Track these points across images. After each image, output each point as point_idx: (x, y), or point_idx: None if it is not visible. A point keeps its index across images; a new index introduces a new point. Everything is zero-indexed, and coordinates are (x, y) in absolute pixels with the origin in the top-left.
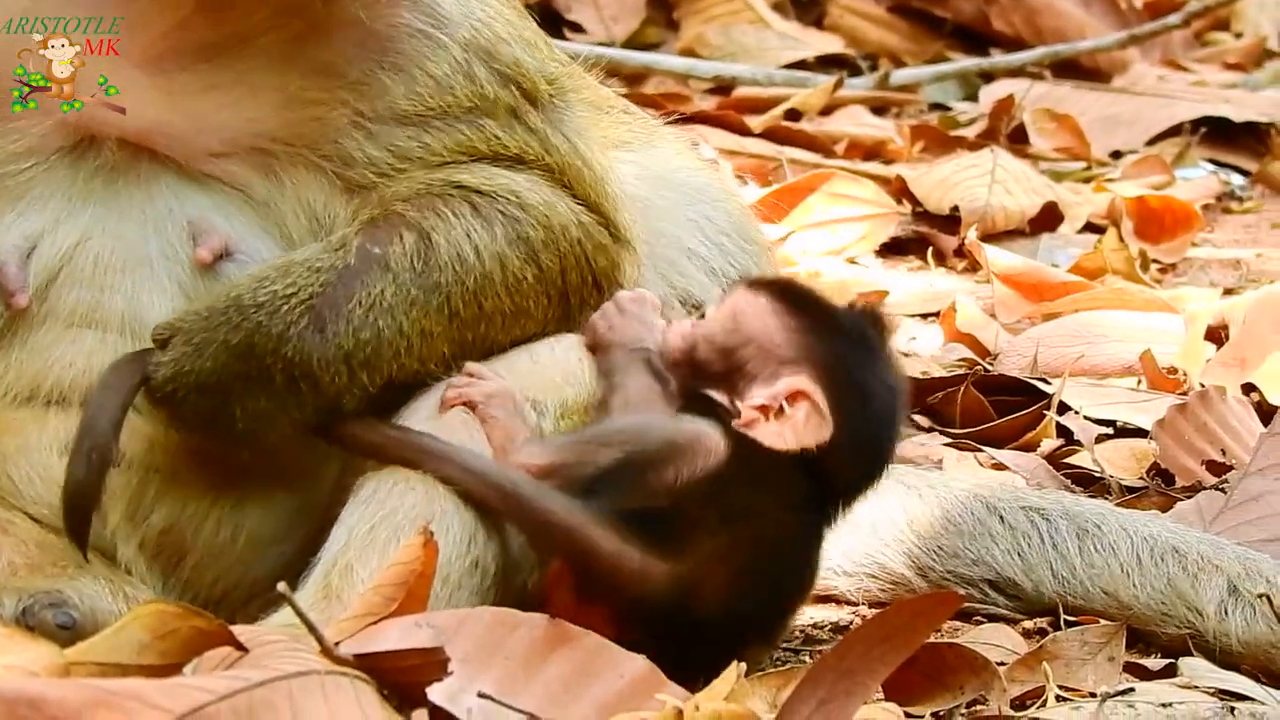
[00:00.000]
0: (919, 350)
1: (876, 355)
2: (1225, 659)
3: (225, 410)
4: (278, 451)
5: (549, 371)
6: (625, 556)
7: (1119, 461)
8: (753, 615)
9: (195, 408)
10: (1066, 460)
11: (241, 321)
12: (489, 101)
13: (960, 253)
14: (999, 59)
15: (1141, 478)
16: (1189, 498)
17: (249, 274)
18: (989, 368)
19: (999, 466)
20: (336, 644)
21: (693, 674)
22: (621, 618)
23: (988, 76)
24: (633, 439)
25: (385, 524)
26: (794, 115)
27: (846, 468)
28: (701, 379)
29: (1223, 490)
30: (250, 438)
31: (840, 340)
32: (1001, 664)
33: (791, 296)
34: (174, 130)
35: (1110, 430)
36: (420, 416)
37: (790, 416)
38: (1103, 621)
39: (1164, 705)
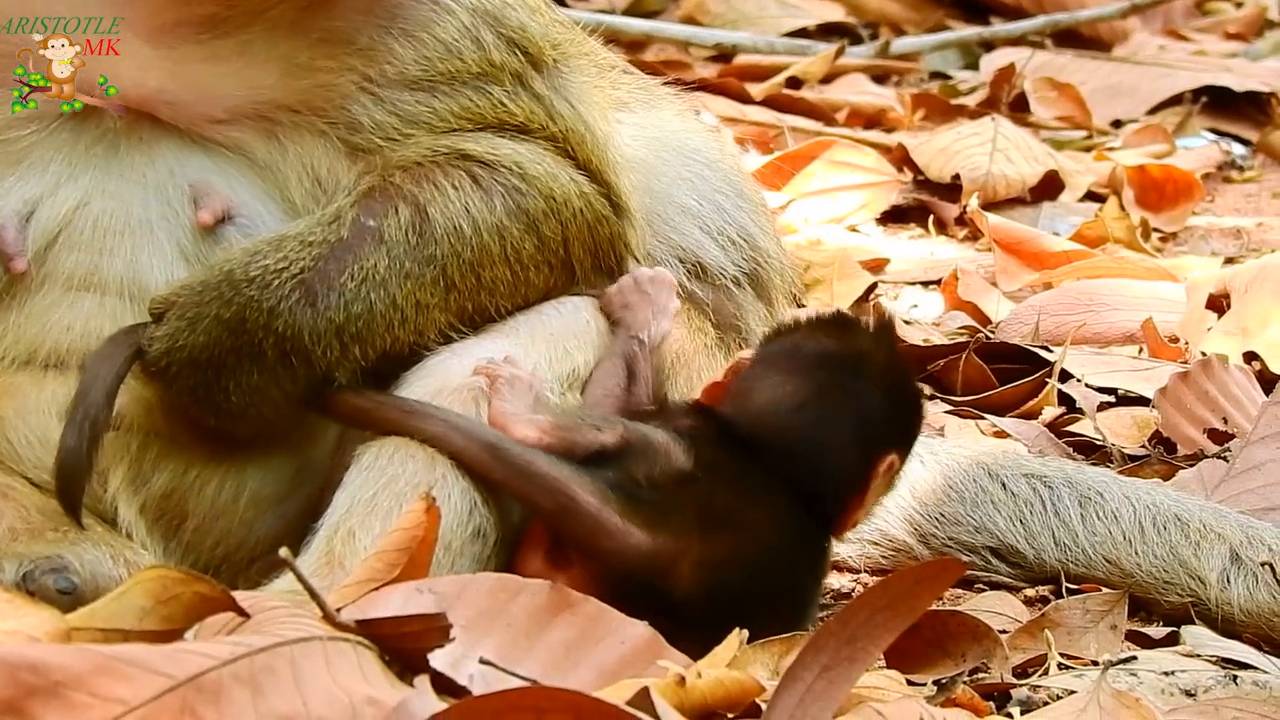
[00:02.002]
0: (920, 318)
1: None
2: (1227, 627)
3: (218, 384)
4: (271, 425)
5: (557, 338)
6: (606, 517)
7: (1121, 430)
8: (726, 605)
9: (188, 382)
10: (1068, 428)
11: (234, 296)
12: (495, 68)
13: (961, 221)
14: (1000, 28)
15: (1143, 446)
16: (1191, 466)
17: (242, 247)
18: (990, 335)
19: (1001, 434)
20: (338, 610)
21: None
22: (591, 582)
23: (988, 45)
24: (627, 428)
25: (387, 490)
26: (795, 83)
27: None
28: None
29: (1225, 459)
30: (243, 412)
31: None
32: (1004, 632)
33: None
34: (177, 98)
35: (1112, 398)
36: (420, 390)
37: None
38: (1105, 590)
39: (1166, 673)
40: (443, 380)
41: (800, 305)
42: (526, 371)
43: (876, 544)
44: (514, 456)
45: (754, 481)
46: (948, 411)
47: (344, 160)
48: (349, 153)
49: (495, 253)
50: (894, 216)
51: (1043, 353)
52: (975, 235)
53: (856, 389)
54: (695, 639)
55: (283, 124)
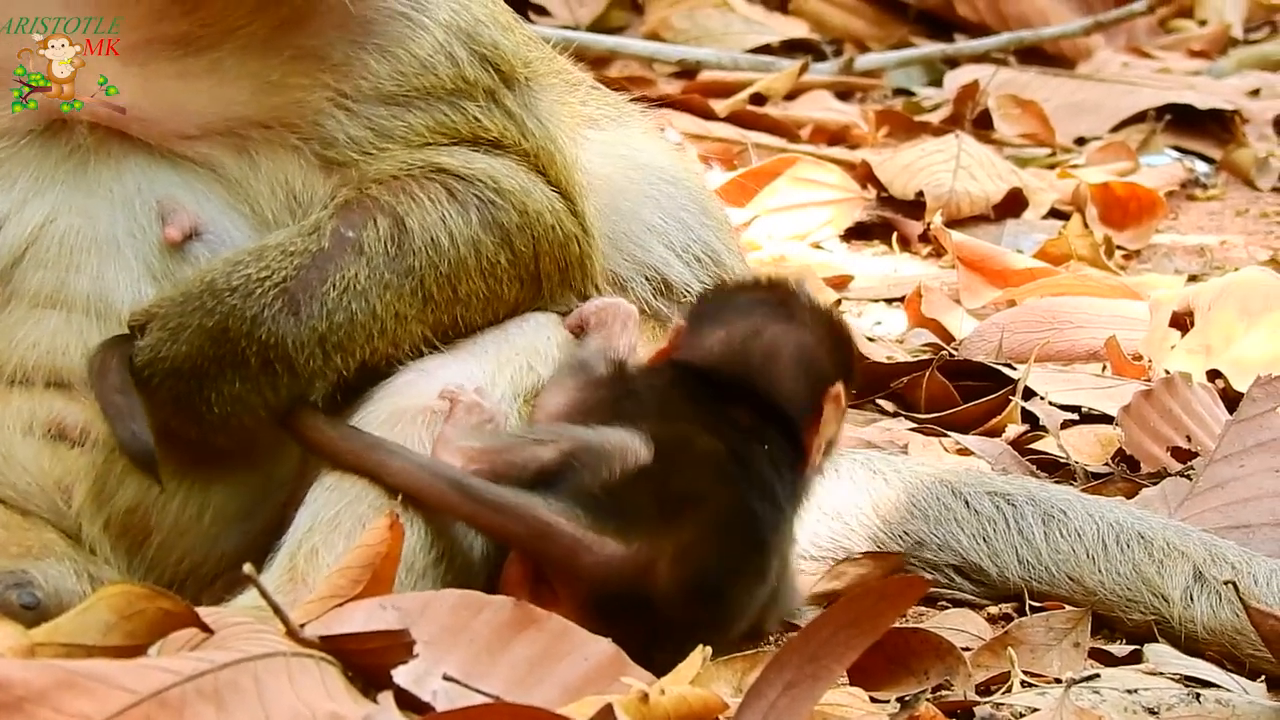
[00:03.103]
0: (884, 335)
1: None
2: (1190, 645)
3: (200, 394)
4: (252, 436)
5: (522, 355)
6: (582, 539)
7: (1084, 447)
8: (705, 594)
9: (171, 392)
10: (1031, 446)
11: (216, 305)
12: (469, 84)
13: (925, 238)
14: (963, 45)
15: (1107, 464)
16: (1154, 484)
17: (223, 258)
18: (954, 353)
19: (964, 452)
20: (302, 626)
21: (651, 658)
22: (579, 604)
23: (952, 62)
24: (567, 439)
25: (349, 510)
26: (759, 100)
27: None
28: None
29: (1188, 477)
30: (224, 422)
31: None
32: (966, 649)
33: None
34: (147, 114)
35: (1075, 416)
36: (380, 413)
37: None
38: (1068, 607)
39: (1129, 691)
40: (410, 401)
41: None
42: (493, 401)
43: (840, 561)
44: (479, 491)
45: (714, 422)
46: (911, 429)
47: (319, 174)
48: (323, 167)
49: (471, 265)
50: (858, 233)
51: (1006, 370)
52: (939, 252)
53: (792, 327)
54: (680, 639)
55: (254, 139)
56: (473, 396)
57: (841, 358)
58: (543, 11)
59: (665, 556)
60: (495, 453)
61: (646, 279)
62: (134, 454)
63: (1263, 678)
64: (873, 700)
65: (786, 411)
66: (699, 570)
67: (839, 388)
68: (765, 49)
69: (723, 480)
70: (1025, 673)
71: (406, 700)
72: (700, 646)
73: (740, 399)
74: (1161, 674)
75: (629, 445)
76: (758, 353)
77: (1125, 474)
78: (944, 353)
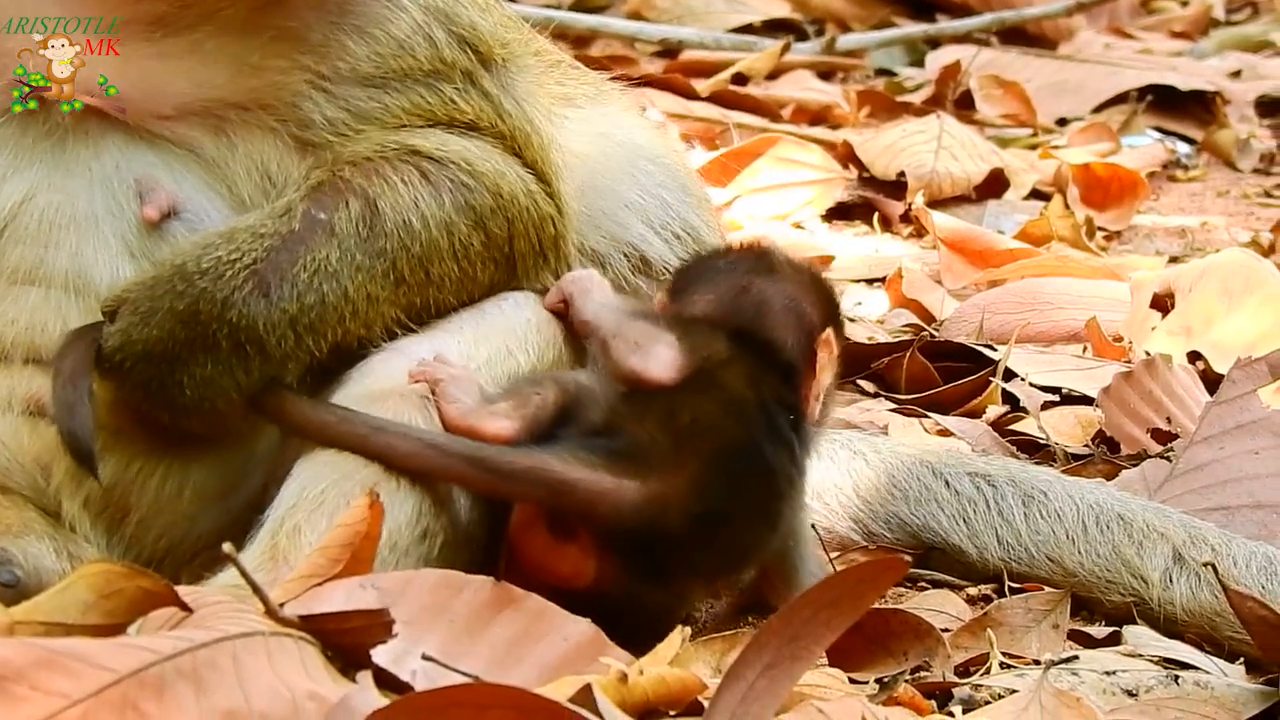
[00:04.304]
0: (865, 315)
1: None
2: (1169, 627)
3: (172, 378)
4: (224, 420)
5: (500, 335)
6: (600, 482)
7: (1064, 429)
8: (713, 525)
9: (143, 376)
10: (1012, 427)
11: (186, 288)
12: (447, 65)
13: (906, 218)
14: (945, 25)
15: (1087, 445)
16: (1134, 466)
17: (193, 241)
18: (935, 333)
19: (944, 433)
20: (281, 605)
21: (675, 599)
22: (603, 544)
23: (934, 42)
24: (554, 379)
25: (336, 488)
26: (741, 79)
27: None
28: None
29: (1168, 458)
30: (197, 405)
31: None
32: (946, 630)
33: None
34: (125, 95)
35: (1056, 397)
36: (363, 390)
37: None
38: (1047, 589)
39: (1108, 673)
40: (387, 382)
41: None
42: (459, 365)
43: (820, 541)
44: (495, 462)
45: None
46: (892, 409)
47: (294, 155)
48: (299, 148)
49: (444, 247)
50: (839, 214)
51: (987, 351)
52: (920, 233)
53: (775, 280)
54: (688, 575)
55: (232, 121)
56: (447, 369)
57: (828, 306)
58: None
59: (678, 489)
60: (523, 407)
61: (625, 255)
62: (74, 449)
63: (1241, 660)
64: (852, 681)
65: (786, 358)
66: (707, 501)
67: (829, 334)
68: (747, 29)
69: (733, 415)
70: (1004, 654)
71: (385, 680)
72: (680, 626)
73: (738, 353)
74: (1140, 656)
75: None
76: (749, 307)
77: (1105, 455)
78: (925, 333)
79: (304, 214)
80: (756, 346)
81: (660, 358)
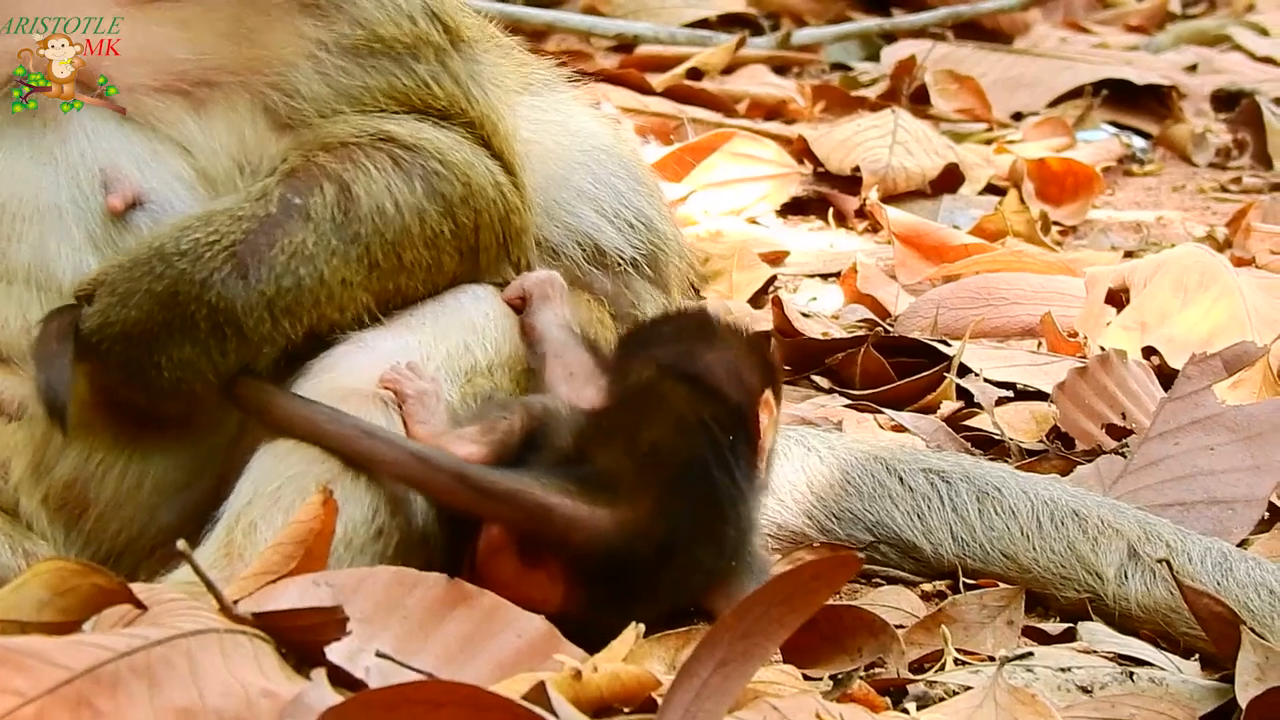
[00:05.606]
0: (819, 310)
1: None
2: (1125, 623)
3: (150, 359)
4: (200, 403)
5: (461, 330)
6: (575, 510)
7: (1019, 424)
8: (669, 550)
9: (121, 358)
10: (966, 422)
11: (165, 270)
12: (422, 41)
13: (861, 213)
14: (901, 19)
15: (1041, 441)
16: (1089, 461)
17: (171, 223)
18: (889, 329)
19: (898, 428)
20: (235, 602)
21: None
22: (573, 571)
23: (889, 37)
24: (521, 404)
25: (292, 484)
26: (696, 74)
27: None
28: None
29: (1123, 454)
30: (174, 387)
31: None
32: (900, 627)
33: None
34: (100, 68)
35: (1010, 393)
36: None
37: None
38: (1002, 585)
39: (1063, 669)
40: (349, 380)
41: (698, 295)
42: (429, 379)
43: (774, 537)
44: (479, 481)
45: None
46: (846, 405)
47: (270, 134)
48: (276, 127)
49: (416, 234)
50: (794, 209)
51: (941, 346)
52: (875, 228)
53: (715, 346)
54: (660, 599)
55: (214, 94)
56: (416, 383)
57: (768, 369)
58: None
59: (644, 515)
60: (490, 432)
61: (579, 244)
62: (47, 400)
63: (1196, 656)
64: (806, 678)
65: (729, 403)
66: (670, 524)
67: (769, 394)
68: (703, 23)
69: (682, 434)
70: (959, 650)
71: (340, 677)
72: (633, 624)
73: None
74: (1095, 652)
75: (560, 405)
76: (692, 372)
77: (1060, 451)
78: (879, 329)
79: (280, 198)
80: (698, 386)
81: (587, 400)
